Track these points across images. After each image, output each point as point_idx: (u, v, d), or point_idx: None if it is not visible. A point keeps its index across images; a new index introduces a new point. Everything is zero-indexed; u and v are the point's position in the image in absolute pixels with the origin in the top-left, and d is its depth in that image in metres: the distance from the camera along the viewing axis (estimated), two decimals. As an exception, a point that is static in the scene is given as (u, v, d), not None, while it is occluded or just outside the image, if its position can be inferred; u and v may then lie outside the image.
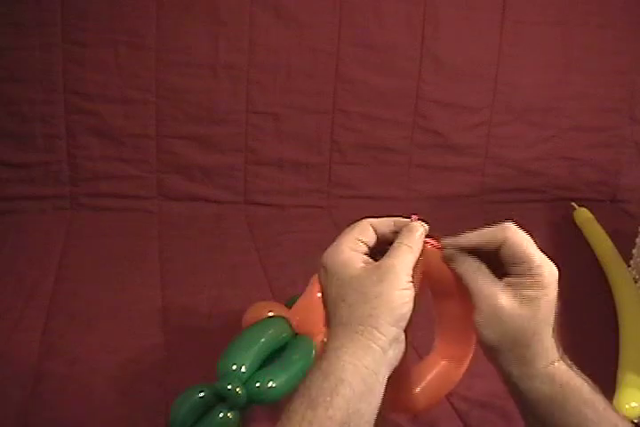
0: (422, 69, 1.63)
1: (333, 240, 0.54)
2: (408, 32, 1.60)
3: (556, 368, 0.51)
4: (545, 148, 1.76)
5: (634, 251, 1.33)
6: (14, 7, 1.42)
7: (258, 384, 0.82)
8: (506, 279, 0.52)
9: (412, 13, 1.59)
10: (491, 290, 0.51)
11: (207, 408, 0.82)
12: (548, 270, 0.51)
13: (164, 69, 1.52)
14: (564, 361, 0.52)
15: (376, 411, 0.48)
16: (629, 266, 1.34)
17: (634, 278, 1.29)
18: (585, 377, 0.52)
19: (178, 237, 1.45)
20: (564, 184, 1.79)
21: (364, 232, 0.54)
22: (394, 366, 0.51)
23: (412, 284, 0.51)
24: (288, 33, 1.55)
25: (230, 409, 0.81)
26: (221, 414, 0.81)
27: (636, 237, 1.33)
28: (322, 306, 0.54)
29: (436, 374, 0.65)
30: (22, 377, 0.94)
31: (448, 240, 0.54)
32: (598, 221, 1.58)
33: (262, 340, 0.88)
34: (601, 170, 1.80)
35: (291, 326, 0.93)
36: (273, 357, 0.89)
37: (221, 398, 0.82)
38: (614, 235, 1.48)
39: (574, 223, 1.62)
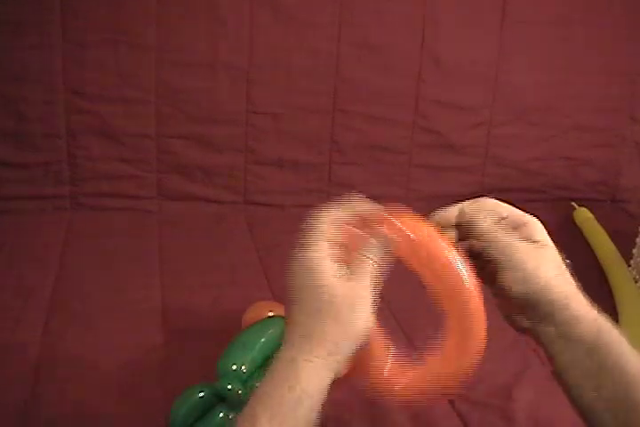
0: (422, 69, 1.62)
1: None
2: (408, 32, 1.60)
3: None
4: (545, 148, 1.76)
5: (634, 251, 1.33)
6: (14, 7, 1.42)
7: (258, 384, 0.82)
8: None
9: (412, 13, 1.59)
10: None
11: (207, 408, 0.82)
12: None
13: (164, 69, 1.52)
14: None
15: None
16: (629, 266, 1.34)
17: (634, 278, 1.29)
18: None
19: (178, 237, 1.45)
20: (564, 184, 1.78)
21: (333, 234, 0.53)
22: None
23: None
24: (288, 33, 1.55)
25: (230, 409, 0.81)
26: (221, 414, 0.81)
27: (636, 236, 1.33)
28: None
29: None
30: (22, 377, 0.94)
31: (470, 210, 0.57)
32: (598, 221, 1.58)
33: (262, 340, 0.89)
34: (601, 170, 1.80)
35: (291, 326, 0.93)
36: (273, 357, 0.89)
37: (221, 398, 0.82)
38: (614, 235, 1.48)
39: (574, 223, 1.62)
